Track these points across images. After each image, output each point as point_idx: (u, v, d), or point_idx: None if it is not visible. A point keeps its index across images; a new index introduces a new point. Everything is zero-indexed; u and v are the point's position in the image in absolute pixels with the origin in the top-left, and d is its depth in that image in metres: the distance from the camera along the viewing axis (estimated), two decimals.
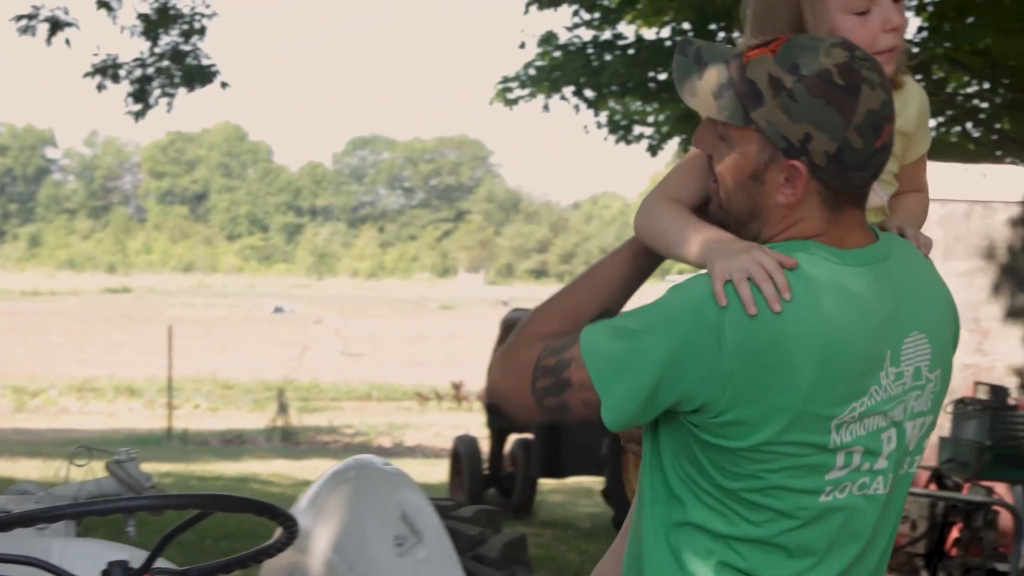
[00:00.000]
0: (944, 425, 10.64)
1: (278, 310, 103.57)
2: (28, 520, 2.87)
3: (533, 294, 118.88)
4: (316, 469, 20.15)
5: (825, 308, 2.67)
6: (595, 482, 15.75)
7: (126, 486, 4.44)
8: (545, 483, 15.83)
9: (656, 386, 2.69)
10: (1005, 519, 10.32)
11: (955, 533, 10.33)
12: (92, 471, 4.58)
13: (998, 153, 18.50)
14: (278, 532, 3.21)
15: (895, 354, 2.75)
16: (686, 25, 18.70)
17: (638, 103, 19.44)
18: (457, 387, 39.77)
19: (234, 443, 27.90)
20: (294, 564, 3.92)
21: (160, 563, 3.14)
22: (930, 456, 10.69)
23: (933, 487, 10.57)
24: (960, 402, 10.72)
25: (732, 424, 2.68)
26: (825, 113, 2.67)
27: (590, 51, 18.81)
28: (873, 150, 2.71)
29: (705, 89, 2.79)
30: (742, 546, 2.76)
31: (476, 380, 36.94)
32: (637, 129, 19.84)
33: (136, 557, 3.44)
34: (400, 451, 25.89)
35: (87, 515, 2.91)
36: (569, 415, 2.81)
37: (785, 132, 2.70)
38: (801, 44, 2.73)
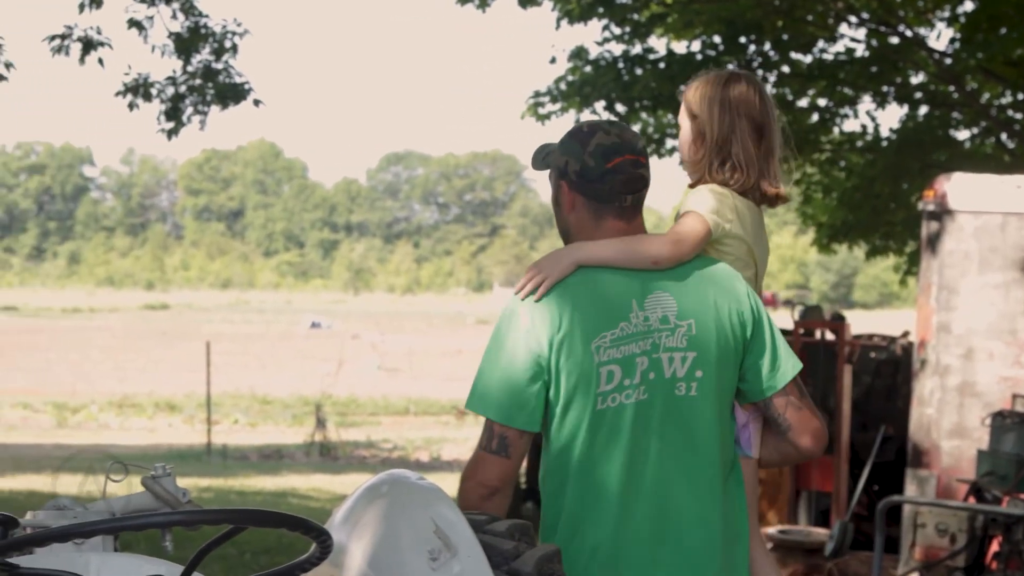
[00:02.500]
0: (983, 438, 10.60)
1: (315, 325, 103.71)
2: (64, 535, 2.90)
3: None
4: (354, 484, 20.16)
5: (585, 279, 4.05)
6: None
7: (162, 501, 4.46)
8: None
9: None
10: None
11: (995, 546, 10.28)
12: (131, 486, 4.62)
13: None
14: (312, 547, 3.23)
15: (640, 303, 4.01)
16: (716, 39, 18.72)
17: (669, 116, 19.44)
18: None
19: (273, 458, 27.98)
20: None
21: None
22: (968, 469, 10.67)
23: (972, 500, 10.53)
24: (998, 415, 10.66)
25: None
26: (572, 147, 4.17)
27: (621, 65, 18.84)
28: (604, 169, 4.09)
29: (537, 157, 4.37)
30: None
31: None
32: (669, 143, 19.83)
33: (173, 572, 3.47)
34: (437, 465, 25.92)
35: (123, 530, 2.93)
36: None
37: (557, 163, 4.22)
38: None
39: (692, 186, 4.35)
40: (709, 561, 4.05)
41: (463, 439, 31.60)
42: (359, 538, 3.87)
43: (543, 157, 4.30)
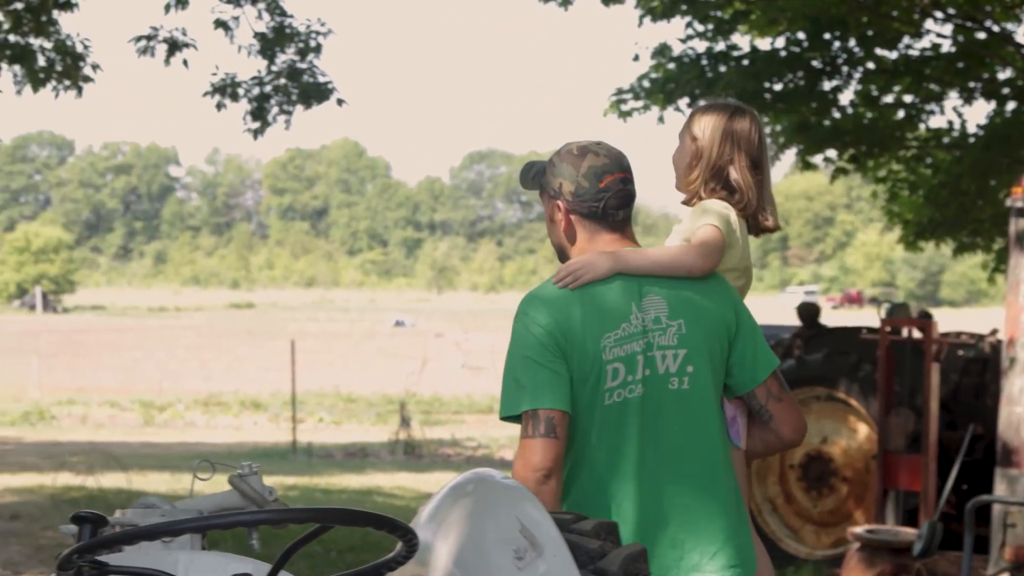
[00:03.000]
0: None
1: (399, 324, 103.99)
2: (153, 534, 2.91)
3: None
4: (439, 482, 20.21)
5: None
6: None
7: (249, 499, 4.48)
8: None
9: None
10: None
11: None
12: (217, 485, 4.64)
13: None
14: (398, 546, 3.23)
15: (638, 305, 4.38)
16: (800, 35, 18.58)
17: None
18: None
19: (357, 456, 28.07)
20: None
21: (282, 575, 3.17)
22: None
23: None
24: None
25: None
26: (565, 169, 4.56)
27: (704, 62, 18.74)
28: (597, 189, 4.51)
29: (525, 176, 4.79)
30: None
31: None
32: None
33: (260, 570, 3.48)
34: None
35: (211, 528, 2.94)
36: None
37: (551, 185, 4.62)
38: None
39: (686, 203, 4.79)
40: (715, 539, 4.43)
41: None
42: (445, 537, 3.87)
43: (532, 176, 4.73)
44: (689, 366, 4.40)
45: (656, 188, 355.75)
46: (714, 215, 4.56)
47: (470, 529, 3.82)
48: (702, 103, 5.04)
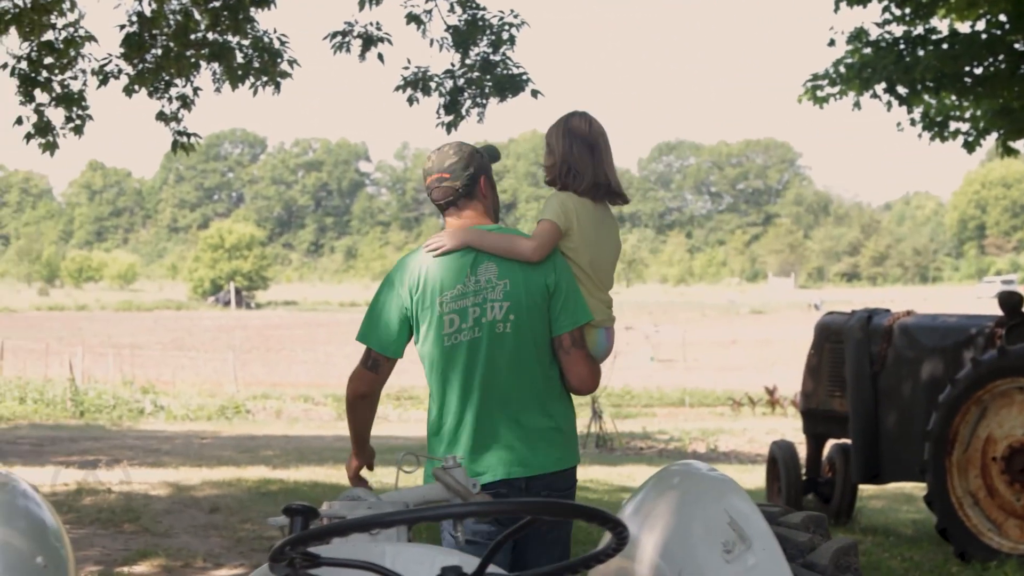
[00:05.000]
0: None
1: None
2: (365, 525, 2.90)
3: (845, 297, 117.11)
4: (632, 475, 20.16)
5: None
6: (917, 488, 15.37)
7: (453, 492, 4.47)
8: (865, 489, 15.52)
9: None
10: None
11: None
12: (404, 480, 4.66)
13: None
14: (607, 538, 3.18)
15: (473, 270, 5.68)
16: (1002, 17, 18.15)
17: (952, 98, 18.89)
18: (771, 392, 39.43)
19: None
20: (621, 570, 3.88)
21: (491, 569, 3.14)
22: None
23: None
24: None
25: None
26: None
27: (902, 46, 18.38)
28: (425, 186, 5.98)
29: None
30: None
31: (790, 385, 36.52)
32: (953, 125, 19.27)
33: (467, 563, 3.45)
34: (714, 457, 25.76)
35: (422, 520, 2.92)
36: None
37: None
38: None
39: (550, 184, 6.13)
40: (532, 443, 5.77)
41: (740, 430, 31.37)
42: (650, 529, 3.82)
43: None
44: (511, 315, 5.70)
45: (849, 177, 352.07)
46: (551, 210, 5.87)
47: (677, 522, 3.77)
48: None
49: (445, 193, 5.89)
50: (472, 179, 5.91)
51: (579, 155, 5.95)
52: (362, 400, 5.90)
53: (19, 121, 16.55)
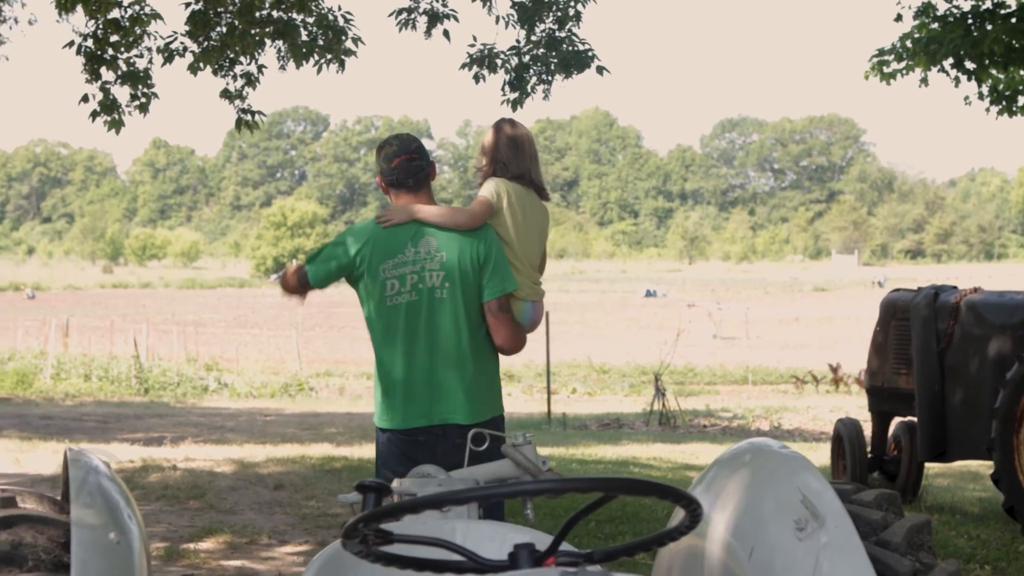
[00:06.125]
0: None
1: (650, 294, 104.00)
2: (438, 502, 2.89)
3: (909, 274, 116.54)
4: (695, 453, 20.12)
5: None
6: (983, 466, 15.26)
7: (523, 469, 4.47)
8: (930, 467, 15.41)
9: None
10: None
11: None
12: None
13: None
14: (680, 515, 3.16)
15: (414, 242, 6.67)
16: None
17: (1022, 72, 18.67)
18: (834, 369, 39.22)
19: (612, 426, 28.08)
20: (692, 547, 3.87)
21: (563, 547, 3.13)
22: None
23: None
24: None
25: None
26: (377, 158, 6.97)
27: (970, 20, 18.17)
28: (390, 168, 6.85)
29: None
30: None
31: (854, 363, 36.33)
32: (1021, 99, 19.07)
33: (539, 540, 3.44)
34: (778, 435, 25.63)
35: (494, 497, 2.92)
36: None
37: (376, 168, 7.07)
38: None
39: (480, 183, 7.06)
40: (460, 393, 6.66)
41: (804, 407, 31.22)
42: (722, 507, 3.80)
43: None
44: (447, 283, 6.66)
45: (914, 154, 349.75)
46: (486, 190, 6.89)
47: (748, 499, 3.74)
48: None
49: (412, 172, 6.88)
50: (430, 164, 6.97)
51: (506, 152, 6.97)
52: (289, 299, 7.24)
53: (85, 99, 16.65)
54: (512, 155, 6.97)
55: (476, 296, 6.71)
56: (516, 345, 6.89)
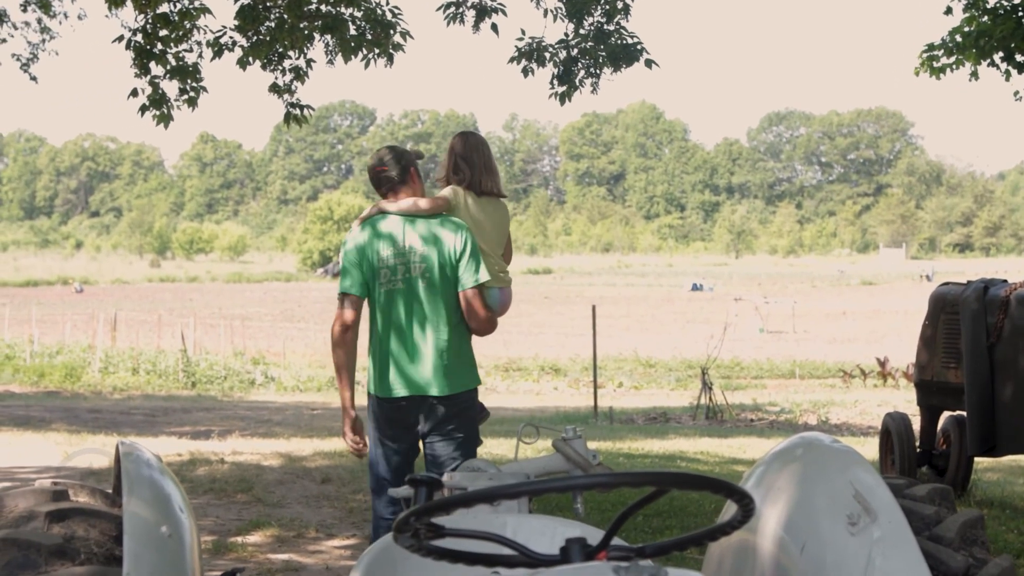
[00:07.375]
0: None
1: (696, 288, 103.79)
2: (491, 496, 2.89)
3: (957, 268, 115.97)
4: (743, 447, 20.05)
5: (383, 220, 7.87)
6: None
7: (573, 463, 4.46)
8: (980, 461, 15.32)
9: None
10: None
11: None
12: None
13: None
14: (732, 509, 3.15)
15: (404, 237, 7.70)
16: None
17: None
18: (882, 363, 39.07)
19: (658, 421, 28.03)
20: (743, 542, 3.86)
21: (614, 541, 3.12)
22: None
23: None
24: None
25: None
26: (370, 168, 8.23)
27: (1020, 14, 18.04)
28: (369, 177, 8.17)
29: None
30: None
31: (902, 357, 36.17)
32: None
33: (590, 534, 3.43)
34: (826, 429, 25.53)
35: (547, 492, 2.90)
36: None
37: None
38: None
39: (443, 184, 8.36)
40: (439, 369, 7.66)
41: (851, 402, 31.09)
42: (773, 502, 3.78)
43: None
44: (427, 273, 7.68)
45: (963, 147, 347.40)
46: (446, 191, 8.17)
47: (800, 494, 3.73)
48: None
49: (382, 182, 7.98)
50: (404, 170, 7.97)
51: (459, 163, 8.28)
52: (347, 333, 7.71)
53: (134, 93, 16.71)
54: (465, 168, 8.29)
55: (453, 285, 7.74)
56: (488, 328, 7.94)
